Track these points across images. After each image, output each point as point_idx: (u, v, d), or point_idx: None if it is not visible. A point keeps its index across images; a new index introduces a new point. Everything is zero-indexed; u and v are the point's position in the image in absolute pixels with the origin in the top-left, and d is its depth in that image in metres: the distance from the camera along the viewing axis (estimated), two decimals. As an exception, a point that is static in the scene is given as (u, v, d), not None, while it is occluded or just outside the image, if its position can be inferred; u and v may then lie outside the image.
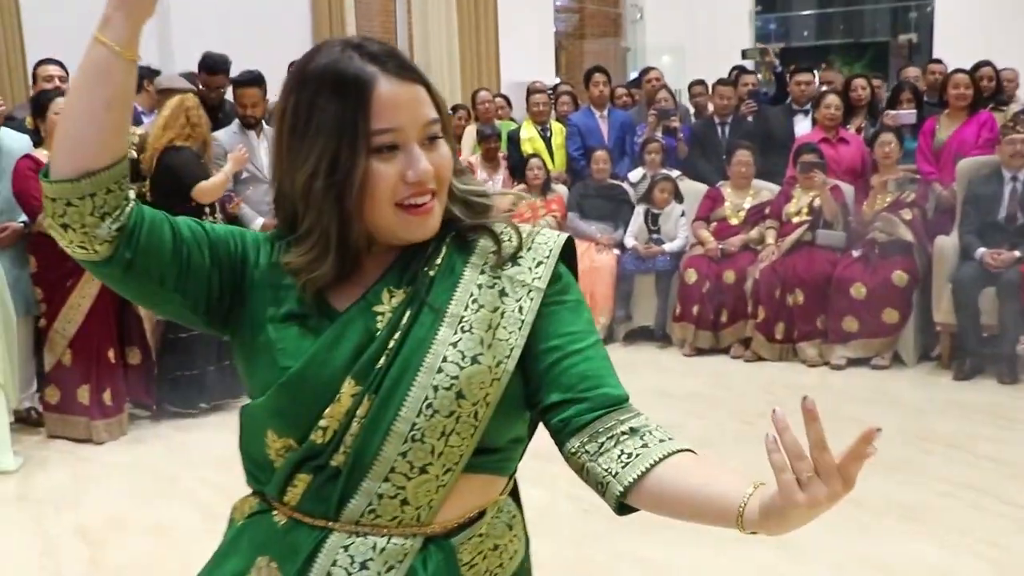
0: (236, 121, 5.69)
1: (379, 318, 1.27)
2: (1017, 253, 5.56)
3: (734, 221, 6.46)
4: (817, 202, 6.16)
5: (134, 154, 5.13)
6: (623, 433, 1.24)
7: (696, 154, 7.12)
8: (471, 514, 1.33)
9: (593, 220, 6.79)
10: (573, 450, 1.26)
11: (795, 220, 6.22)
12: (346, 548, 1.27)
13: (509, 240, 1.32)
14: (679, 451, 1.22)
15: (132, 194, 1.25)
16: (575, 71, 11.15)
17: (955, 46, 9.68)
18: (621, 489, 1.21)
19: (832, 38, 12.66)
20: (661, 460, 1.20)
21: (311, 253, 1.24)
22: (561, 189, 7.02)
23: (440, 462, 1.26)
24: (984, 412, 5.12)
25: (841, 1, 13.19)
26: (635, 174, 7.00)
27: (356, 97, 1.20)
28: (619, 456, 1.23)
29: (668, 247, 6.56)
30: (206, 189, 5.08)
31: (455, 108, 7.67)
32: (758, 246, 6.30)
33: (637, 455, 1.22)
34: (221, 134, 5.56)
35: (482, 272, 1.30)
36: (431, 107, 1.26)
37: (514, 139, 7.32)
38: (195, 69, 6.10)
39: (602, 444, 1.24)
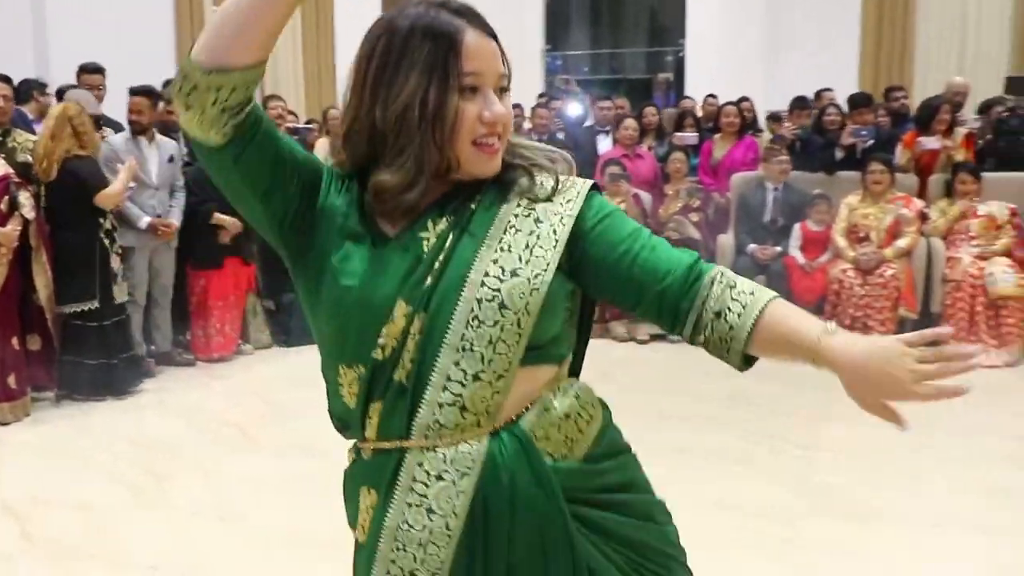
0: (128, 127, 6.05)
1: (424, 243, 1.34)
2: (779, 248, 6.85)
3: (554, 222, 7.42)
4: (622, 206, 7.24)
5: (29, 158, 5.43)
6: (722, 296, 1.35)
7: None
8: (526, 404, 1.39)
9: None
10: (688, 333, 1.38)
11: (604, 222, 7.27)
12: (421, 464, 1.34)
13: (543, 184, 1.40)
14: (769, 301, 1.35)
15: (255, 98, 1.30)
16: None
17: (702, 83, 11.24)
18: (740, 347, 1.34)
19: (603, 74, 14.17)
20: (759, 315, 1.33)
21: (406, 176, 1.30)
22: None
23: (491, 368, 1.32)
24: (756, 374, 6.24)
25: (608, 44, 14.90)
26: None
27: (448, 42, 1.28)
28: (727, 323, 1.35)
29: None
30: (108, 195, 5.45)
31: (309, 121, 8.21)
32: (575, 243, 7.28)
33: (739, 314, 1.34)
34: (115, 139, 5.93)
35: (519, 205, 1.38)
36: (503, 62, 1.35)
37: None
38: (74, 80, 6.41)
39: (709, 318, 1.36)
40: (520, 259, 1.32)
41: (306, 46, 9.89)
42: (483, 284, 1.30)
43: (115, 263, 5.59)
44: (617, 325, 7.01)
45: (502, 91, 1.34)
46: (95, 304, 5.44)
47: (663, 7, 14.07)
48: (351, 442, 1.46)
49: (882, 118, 7.67)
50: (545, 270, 1.33)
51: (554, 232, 1.35)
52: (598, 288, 1.42)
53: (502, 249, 1.33)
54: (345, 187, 1.40)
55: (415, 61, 1.28)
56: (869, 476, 4.26)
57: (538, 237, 1.35)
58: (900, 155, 7.08)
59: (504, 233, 1.34)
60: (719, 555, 3.50)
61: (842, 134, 7.14)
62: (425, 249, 1.33)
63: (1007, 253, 6.52)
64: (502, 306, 1.30)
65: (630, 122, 7.69)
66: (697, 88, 11.18)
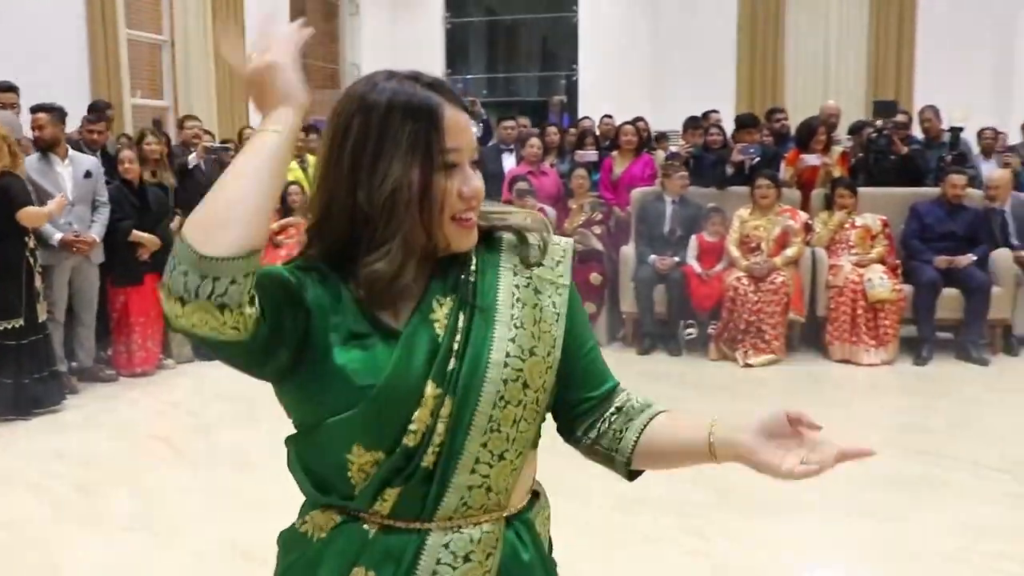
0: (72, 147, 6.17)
1: (436, 325, 1.29)
2: (677, 258, 7.20)
3: (464, 236, 7.64)
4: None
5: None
6: (612, 414, 1.41)
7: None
8: (531, 489, 1.41)
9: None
10: (578, 437, 1.43)
11: (512, 235, 7.52)
12: (446, 546, 1.29)
13: (528, 244, 1.37)
14: (656, 414, 1.41)
15: None
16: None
17: (594, 105, 11.69)
18: (624, 460, 1.39)
19: (500, 96, 14.53)
20: (643, 428, 1.39)
21: (394, 262, 1.23)
22: (317, 210, 7.84)
23: (514, 447, 1.31)
24: (662, 377, 6.56)
25: (503, 68, 15.33)
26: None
27: (429, 120, 1.24)
28: (612, 435, 1.40)
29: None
30: (31, 214, 5.45)
31: (224, 141, 8.24)
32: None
33: (624, 429, 1.39)
34: (28, 159, 5.89)
35: (515, 274, 1.35)
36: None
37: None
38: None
39: (599, 428, 1.41)
40: (533, 336, 1.32)
41: (218, 63, 9.89)
42: (506, 364, 1.28)
43: (38, 281, 5.57)
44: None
45: (473, 163, 1.31)
46: (20, 322, 5.41)
47: (555, 35, 14.53)
48: (313, 505, 1.35)
49: (766, 137, 8.16)
50: (554, 346, 1.34)
51: (554, 305, 1.36)
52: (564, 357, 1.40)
53: (515, 326, 1.31)
54: (318, 280, 1.28)
55: (398, 141, 1.23)
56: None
57: (541, 311, 1.34)
58: (784, 171, 7.54)
59: (512, 308, 1.32)
60: (631, 552, 3.72)
61: (732, 152, 7.57)
62: (439, 331, 1.28)
63: (881, 260, 7.03)
64: (525, 385, 1.30)
65: (535, 141, 7.98)
66: (590, 110, 11.66)
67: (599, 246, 7.37)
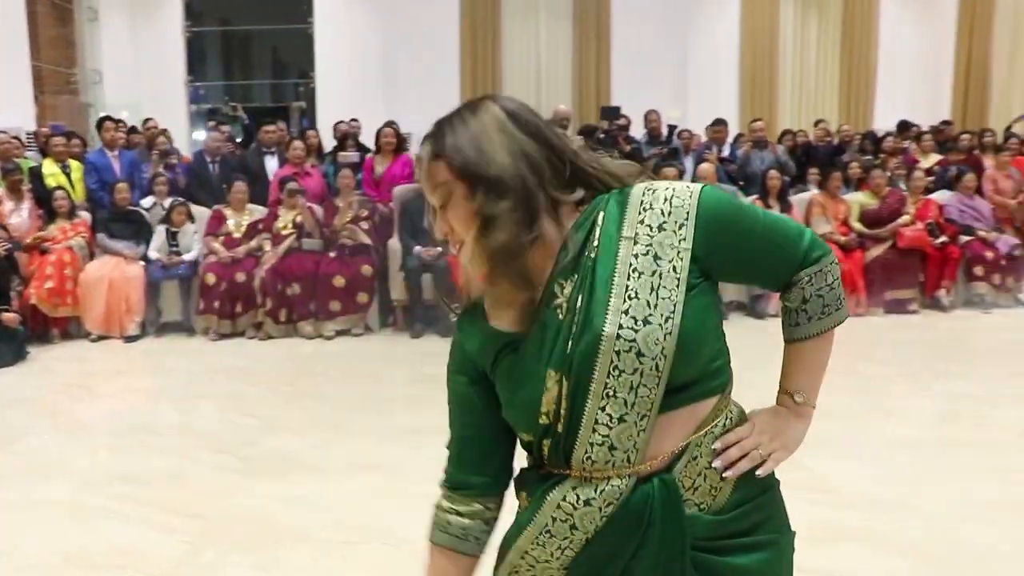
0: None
1: (559, 310, 1.35)
2: (440, 249, 7.66)
3: (237, 235, 7.73)
4: (299, 218, 7.70)
5: None
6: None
7: (194, 185, 8.24)
8: (679, 447, 1.40)
9: (119, 239, 7.56)
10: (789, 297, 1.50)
11: (284, 232, 7.69)
12: (575, 488, 1.39)
13: (652, 208, 1.36)
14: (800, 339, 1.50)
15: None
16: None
17: (331, 110, 12.11)
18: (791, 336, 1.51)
19: (238, 103, 14.42)
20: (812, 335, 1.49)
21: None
22: (84, 215, 7.65)
23: (634, 411, 1.34)
24: (435, 355, 6.95)
25: (239, 76, 15.25)
26: (147, 201, 7.93)
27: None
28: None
29: (187, 257, 7.61)
30: None
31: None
32: (259, 253, 7.64)
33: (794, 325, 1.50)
34: None
35: (635, 243, 1.34)
36: (454, 171, 1.34)
37: (36, 174, 7.74)
38: None
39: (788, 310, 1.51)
40: (649, 304, 1.31)
41: None
42: (619, 336, 1.31)
43: None
44: (305, 325, 7.47)
45: (443, 207, 1.36)
46: None
47: (288, 44, 14.66)
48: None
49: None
50: (673, 312, 1.32)
51: (675, 270, 1.33)
52: (733, 279, 1.48)
53: (629, 297, 1.31)
54: (467, 325, 1.47)
55: None
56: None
57: (660, 277, 1.33)
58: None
59: (628, 279, 1.32)
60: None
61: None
62: (560, 316, 1.35)
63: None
64: (639, 355, 1.31)
65: (298, 143, 8.20)
66: (327, 114, 12.02)
67: (367, 240, 7.68)
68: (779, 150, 9.49)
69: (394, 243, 7.78)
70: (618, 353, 1.31)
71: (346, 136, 8.81)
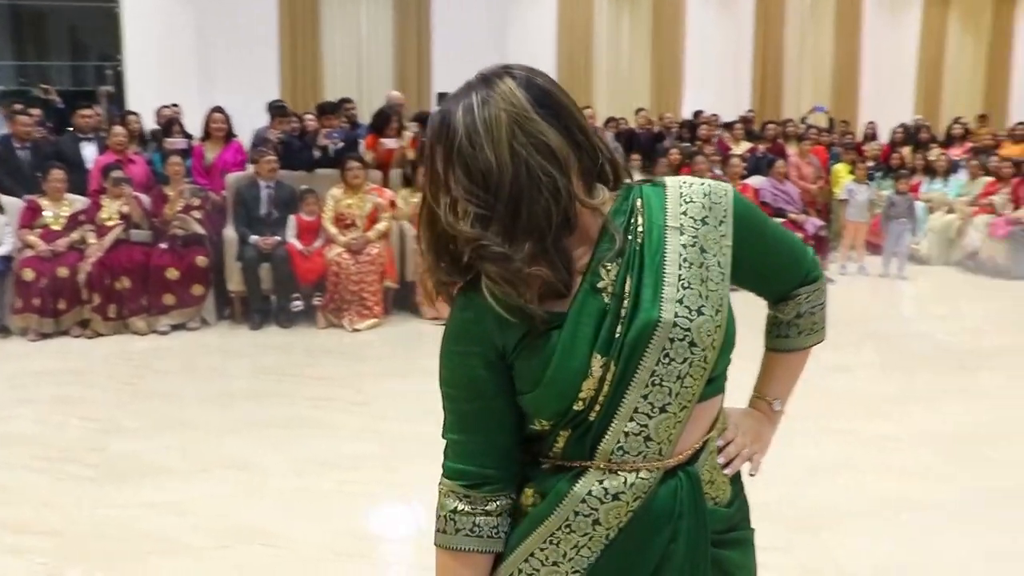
0: None
1: (604, 294, 1.29)
2: (278, 238, 7.37)
3: (56, 227, 7.10)
4: (125, 208, 7.19)
5: None
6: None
7: (1, 172, 7.50)
8: (700, 441, 1.39)
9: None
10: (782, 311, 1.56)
11: (109, 223, 7.14)
12: (601, 482, 1.32)
13: (693, 200, 1.35)
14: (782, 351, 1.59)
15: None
16: None
17: (141, 95, 11.44)
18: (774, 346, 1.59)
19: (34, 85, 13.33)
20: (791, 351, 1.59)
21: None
22: None
23: (677, 401, 1.30)
24: (275, 348, 6.73)
25: (33, 57, 14.04)
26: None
27: None
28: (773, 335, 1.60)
29: (-1, 252, 6.94)
30: None
31: None
32: (82, 246, 7.06)
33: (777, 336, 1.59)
34: None
35: (681, 233, 1.32)
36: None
37: None
38: None
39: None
40: (701, 295, 1.30)
41: None
42: (675, 325, 1.28)
43: None
44: (137, 320, 7.00)
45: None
46: None
47: (91, 24, 13.65)
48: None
49: (343, 124, 8.59)
50: (721, 305, 1.32)
51: (719, 264, 1.33)
52: (737, 282, 1.44)
53: (683, 287, 1.29)
54: (486, 304, 1.31)
55: None
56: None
57: (707, 269, 1.32)
58: (364, 154, 8.04)
59: (679, 268, 1.30)
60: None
61: (318, 137, 7.90)
62: (606, 299, 1.29)
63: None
64: (692, 344, 1.29)
65: (119, 129, 7.65)
66: (137, 99, 11.33)
67: (200, 230, 7.27)
68: (608, 136, 9.70)
69: (229, 232, 7.40)
70: (671, 341, 1.28)
71: (171, 122, 8.30)
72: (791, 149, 10.84)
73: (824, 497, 4.00)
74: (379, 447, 4.61)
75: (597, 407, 1.30)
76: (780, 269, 1.50)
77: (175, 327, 7.10)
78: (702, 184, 1.37)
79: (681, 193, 1.35)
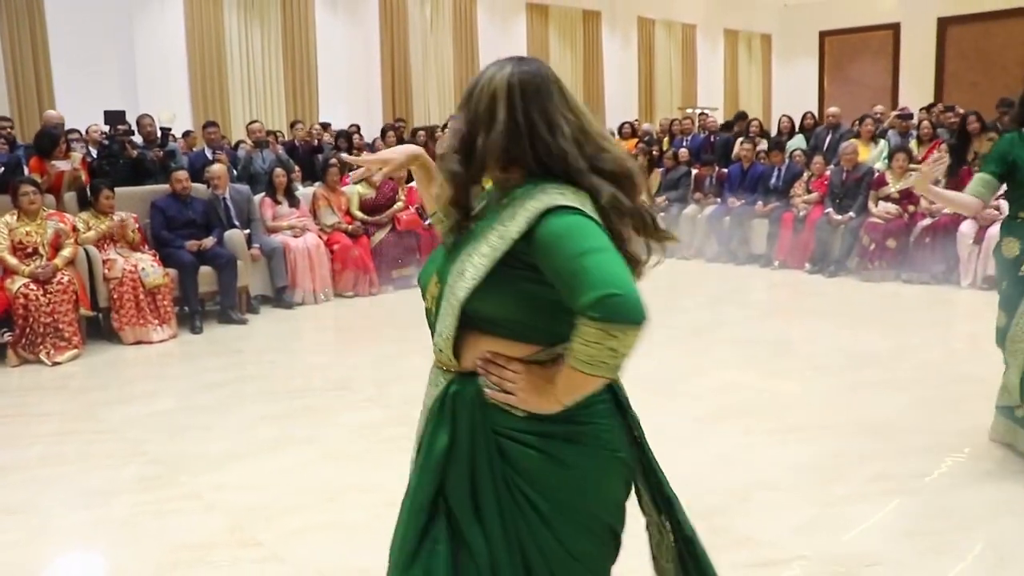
0: None
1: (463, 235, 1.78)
2: None
3: None
4: None
5: None
6: None
7: None
8: (473, 366, 1.76)
9: None
10: None
11: None
12: (434, 372, 1.85)
13: (524, 207, 1.66)
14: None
15: None
16: None
17: None
18: None
19: None
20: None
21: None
22: None
23: (448, 325, 1.73)
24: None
25: None
26: None
27: None
28: None
29: None
30: None
31: None
32: None
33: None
34: None
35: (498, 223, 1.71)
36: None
37: None
38: None
39: None
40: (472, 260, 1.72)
41: None
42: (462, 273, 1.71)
43: None
44: None
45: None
46: None
47: None
48: None
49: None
50: (478, 274, 1.69)
51: (493, 248, 1.71)
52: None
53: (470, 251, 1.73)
54: None
55: None
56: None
57: (489, 247, 1.71)
58: (33, 177, 7.36)
59: (477, 240, 1.74)
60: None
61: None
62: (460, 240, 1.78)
63: (137, 247, 7.49)
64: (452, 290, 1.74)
65: None
66: None
67: None
68: (280, 149, 9.68)
69: None
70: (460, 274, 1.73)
71: None
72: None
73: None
74: (163, 468, 4.45)
75: (435, 314, 1.82)
76: (564, 289, 1.55)
77: None
78: (540, 202, 1.61)
79: (535, 200, 1.63)
